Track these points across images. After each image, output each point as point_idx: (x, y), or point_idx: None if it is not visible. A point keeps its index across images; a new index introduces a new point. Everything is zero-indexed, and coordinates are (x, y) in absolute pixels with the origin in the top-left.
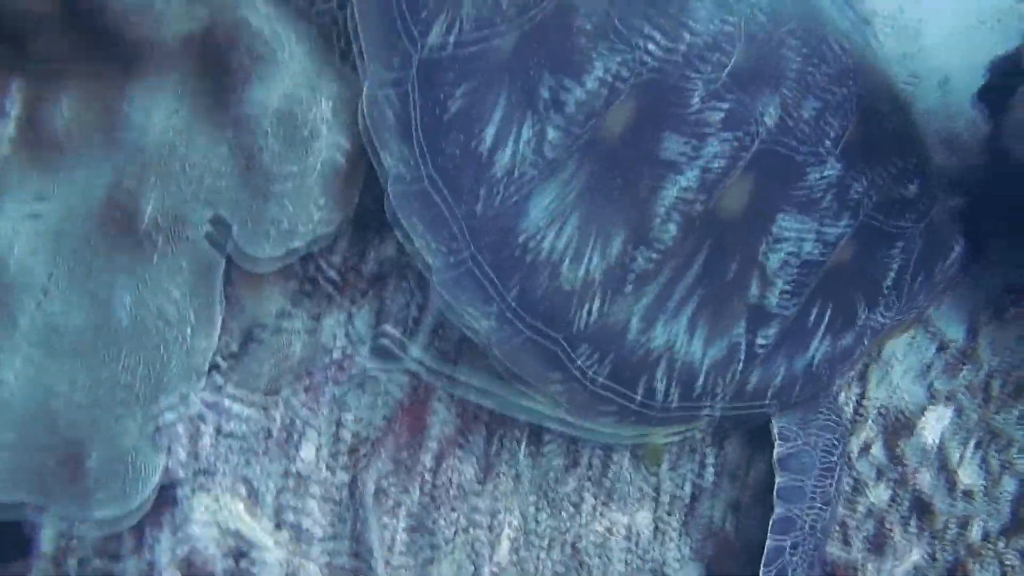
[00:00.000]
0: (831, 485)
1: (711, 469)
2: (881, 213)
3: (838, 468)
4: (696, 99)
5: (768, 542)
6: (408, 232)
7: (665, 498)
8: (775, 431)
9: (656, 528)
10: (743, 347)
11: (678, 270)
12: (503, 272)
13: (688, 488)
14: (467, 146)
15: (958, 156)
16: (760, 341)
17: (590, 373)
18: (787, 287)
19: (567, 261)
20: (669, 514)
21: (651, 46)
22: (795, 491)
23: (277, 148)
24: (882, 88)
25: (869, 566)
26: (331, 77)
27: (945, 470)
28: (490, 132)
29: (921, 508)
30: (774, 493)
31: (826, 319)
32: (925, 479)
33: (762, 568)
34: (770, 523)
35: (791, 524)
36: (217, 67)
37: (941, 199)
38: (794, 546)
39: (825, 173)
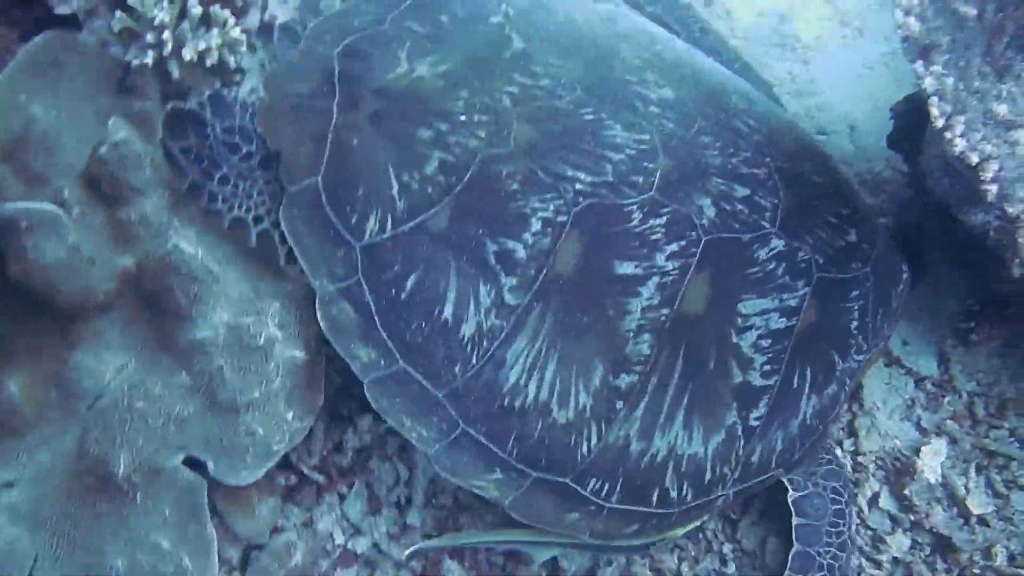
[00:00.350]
0: (845, 529)
1: (732, 564)
2: (832, 267)
3: (848, 511)
4: (635, 218)
5: None
6: (398, 428)
7: None
8: (786, 482)
9: None
10: (740, 429)
11: (662, 379)
12: (498, 435)
13: None
14: (432, 328)
15: (886, 193)
16: (754, 418)
17: (603, 500)
18: (765, 362)
19: (555, 403)
20: None
21: (579, 185)
22: (811, 532)
23: (235, 377)
24: (799, 149)
25: None
26: (273, 286)
27: (955, 503)
28: (449, 309)
29: (943, 547)
30: (792, 535)
31: (808, 378)
32: (939, 517)
33: None
34: (789, 559)
35: (810, 561)
36: (156, 311)
37: (880, 234)
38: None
39: (771, 249)
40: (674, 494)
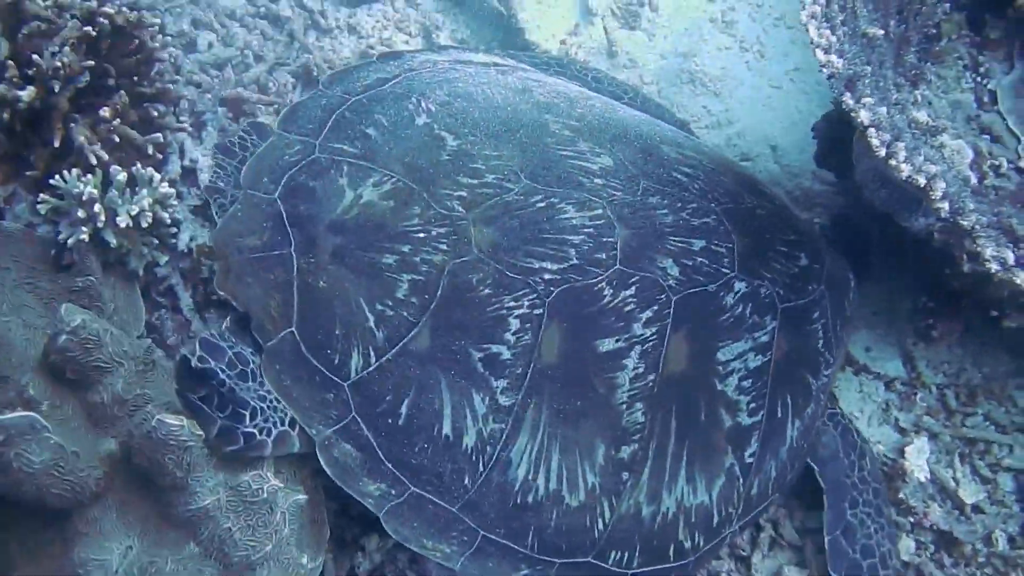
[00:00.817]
0: (868, 463)
1: None
2: (792, 294)
3: (862, 446)
4: (607, 294)
5: (825, 512)
6: (421, 552)
7: None
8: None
9: None
10: (738, 469)
11: (660, 441)
12: (517, 533)
13: None
14: (434, 446)
15: (819, 206)
16: (748, 456)
17: (626, 569)
18: (750, 400)
19: (566, 489)
20: None
21: (547, 275)
22: (835, 464)
23: (244, 536)
24: (736, 185)
25: None
26: None
27: (948, 496)
28: (447, 424)
29: (947, 543)
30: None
31: (790, 405)
32: (937, 514)
33: (827, 531)
34: (825, 497)
35: (843, 489)
36: (150, 487)
37: (824, 249)
38: (853, 504)
39: (736, 292)
40: (688, 544)
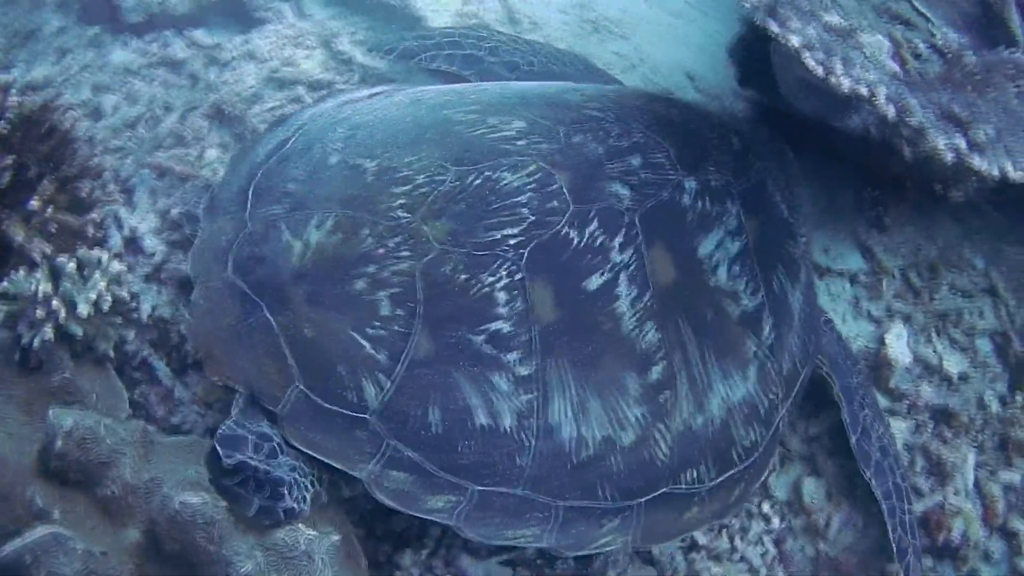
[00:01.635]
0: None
1: (776, 519)
2: (742, 176)
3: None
4: (573, 236)
5: (844, 416)
6: (510, 544)
7: (760, 567)
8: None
9: None
10: (763, 351)
11: (682, 352)
12: (590, 490)
13: (769, 544)
14: (477, 439)
15: (748, 123)
16: (767, 336)
17: (702, 485)
18: (746, 284)
19: (617, 431)
20: (771, 573)
21: (511, 240)
22: (840, 367)
23: None
24: (647, 102)
25: (951, 495)
26: None
27: (934, 372)
28: (480, 415)
29: (944, 417)
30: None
31: (783, 276)
32: (928, 392)
33: (850, 433)
34: (839, 400)
35: (850, 391)
36: (183, 565)
37: (752, 129)
38: (860, 406)
39: (689, 191)
40: (748, 441)
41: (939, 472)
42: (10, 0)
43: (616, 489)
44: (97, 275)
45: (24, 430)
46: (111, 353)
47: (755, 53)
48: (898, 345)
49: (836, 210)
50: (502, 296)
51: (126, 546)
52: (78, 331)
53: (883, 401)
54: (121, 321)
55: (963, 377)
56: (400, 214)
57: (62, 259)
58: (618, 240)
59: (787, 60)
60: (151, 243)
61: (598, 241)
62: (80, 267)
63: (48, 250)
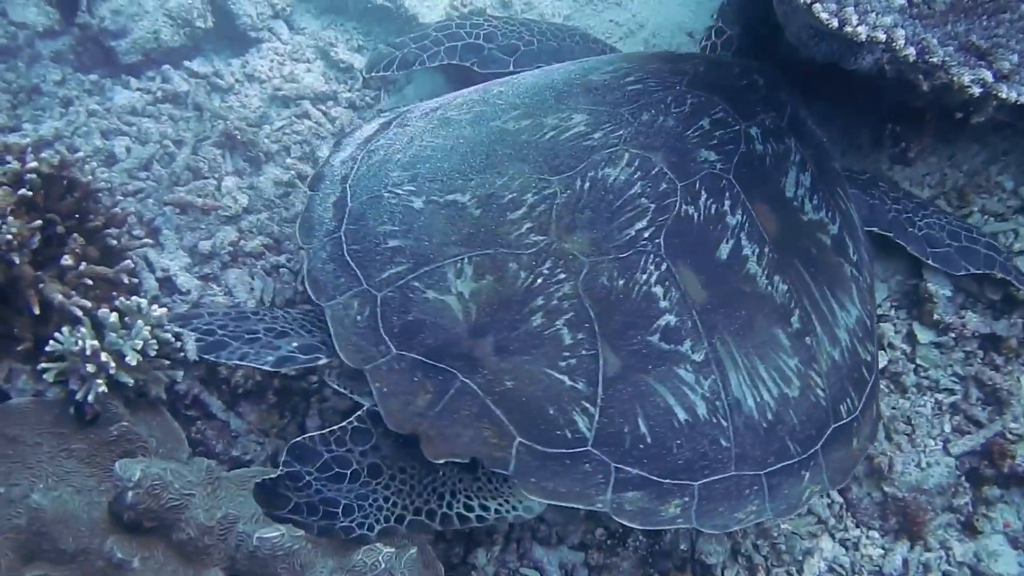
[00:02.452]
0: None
1: None
2: (779, 110)
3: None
4: (691, 212)
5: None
6: (743, 525)
7: (828, 518)
8: None
9: (844, 546)
10: (854, 271)
11: (806, 294)
12: (782, 452)
13: (835, 494)
14: (685, 436)
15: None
16: (852, 256)
17: (855, 411)
18: (824, 213)
19: (784, 386)
20: (840, 523)
21: (644, 234)
22: (875, 211)
23: None
24: (667, 63)
25: (1010, 422)
26: None
27: (977, 299)
28: (680, 411)
29: (992, 344)
30: None
31: (842, 194)
32: (974, 321)
33: (925, 258)
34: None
35: (897, 222)
36: None
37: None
38: (911, 223)
39: (756, 138)
40: (869, 356)
41: (995, 400)
42: (9, 58)
43: (798, 441)
44: (140, 322)
45: (90, 482)
46: (163, 395)
47: (752, 12)
48: (935, 277)
49: (856, 151)
50: (659, 290)
51: None
52: (129, 380)
53: (929, 335)
54: (168, 363)
55: (1007, 299)
56: (534, 239)
57: (103, 311)
58: (727, 203)
59: (793, 9)
60: (184, 280)
61: (713, 210)
62: (121, 316)
63: (88, 305)
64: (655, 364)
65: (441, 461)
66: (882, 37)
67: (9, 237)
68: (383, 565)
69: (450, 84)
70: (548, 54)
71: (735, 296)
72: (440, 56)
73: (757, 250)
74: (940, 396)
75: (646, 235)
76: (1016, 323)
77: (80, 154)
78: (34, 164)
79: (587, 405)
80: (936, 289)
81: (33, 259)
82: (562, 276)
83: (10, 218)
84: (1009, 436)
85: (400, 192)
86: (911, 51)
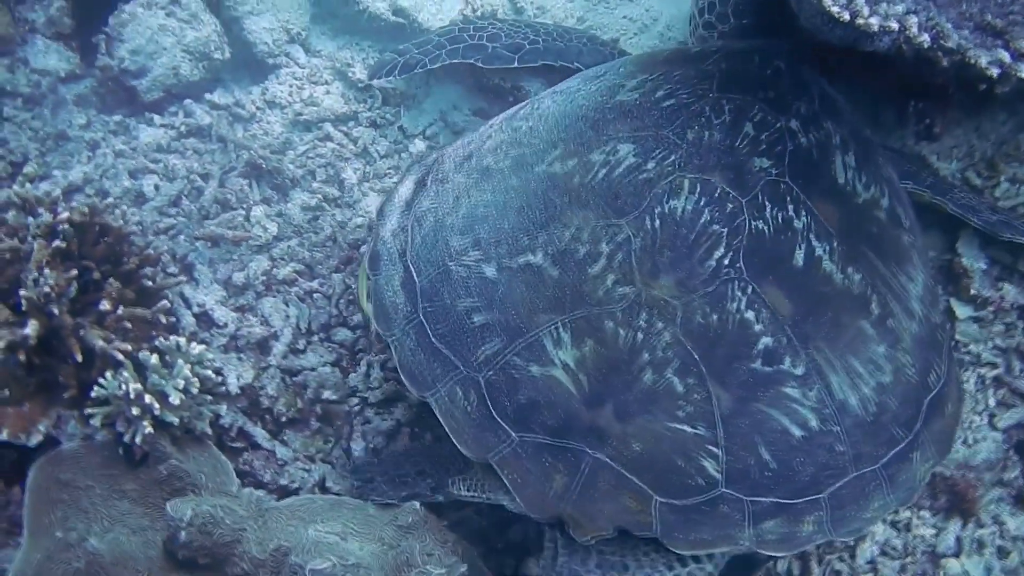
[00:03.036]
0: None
1: None
2: (812, 99)
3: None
4: (761, 226)
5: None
6: (874, 523)
7: None
8: None
9: (896, 528)
10: (911, 240)
11: (879, 277)
12: (889, 441)
13: None
14: (804, 453)
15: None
16: (905, 224)
17: (942, 378)
18: (875, 187)
19: (879, 375)
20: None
21: (724, 261)
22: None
23: None
24: (689, 61)
25: None
26: (390, 526)
27: (1013, 271)
28: (796, 430)
29: None
30: None
31: (883, 164)
32: (1012, 292)
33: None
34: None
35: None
36: None
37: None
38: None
39: (796, 131)
40: (939, 320)
41: None
42: (34, 107)
43: (902, 425)
44: (180, 362)
45: (143, 522)
46: (208, 430)
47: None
48: (969, 251)
49: (881, 129)
50: (751, 315)
51: None
52: (174, 419)
53: (967, 310)
54: (212, 398)
55: None
56: (622, 291)
57: (144, 354)
58: (791, 208)
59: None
60: (221, 314)
61: (780, 219)
62: (162, 356)
63: (128, 348)
64: (763, 390)
65: (592, 541)
66: (895, 26)
67: (47, 289)
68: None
69: (467, 95)
70: (554, 53)
71: (818, 300)
72: (442, 57)
73: (827, 247)
74: (982, 371)
75: (726, 262)
76: None
77: (110, 199)
78: (66, 215)
79: (711, 448)
80: (971, 263)
81: (72, 307)
82: (660, 325)
83: (47, 270)
84: None
85: (468, 262)
86: (925, 38)
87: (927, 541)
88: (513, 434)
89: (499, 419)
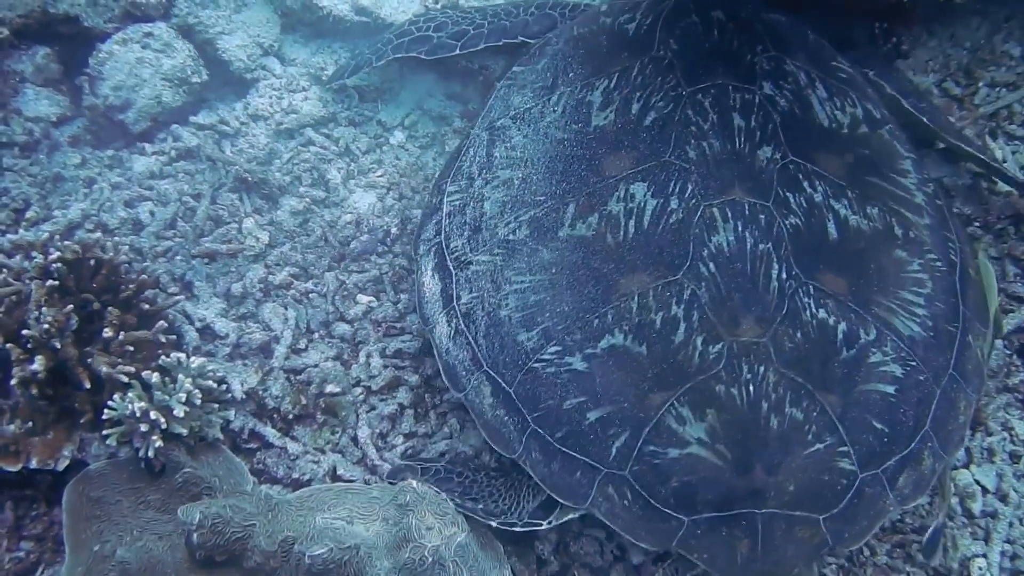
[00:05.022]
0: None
1: None
2: (783, 48)
3: None
4: (797, 221)
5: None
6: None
7: None
8: None
9: None
10: (912, 164)
11: (898, 215)
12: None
13: None
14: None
15: None
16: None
17: (971, 321)
18: (866, 119)
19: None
20: None
21: (783, 276)
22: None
23: None
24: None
25: None
26: (391, 505)
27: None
28: (900, 400)
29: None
30: None
31: (869, 91)
32: (998, 202)
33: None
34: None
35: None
36: None
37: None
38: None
39: (778, 92)
40: (959, 238)
41: None
42: (31, 153)
43: (950, 321)
44: (181, 376)
45: (168, 528)
46: (220, 435)
47: None
48: (943, 168)
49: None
50: (822, 313)
51: None
52: (183, 430)
53: None
54: (219, 406)
55: None
56: (715, 350)
57: (146, 373)
58: (807, 185)
59: None
60: (222, 325)
61: (804, 203)
62: (164, 374)
63: (132, 370)
64: (856, 372)
65: None
66: None
67: (46, 325)
68: (430, 559)
69: (440, 81)
70: (498, 32)
71: (860, 258)
72: (387, 53)
73: (846, 202)
74: None
75: (784, 276)
76: None
77: (97, 234)
78: (56, 255)
79: (841, 448)
80: (953, 181)
81: (79, 338)
82: (762, 369)
83: (44, 308)
84: None
85: (551, 358)
86: None
87: None
88: (684, 518)
89: (663, 508)
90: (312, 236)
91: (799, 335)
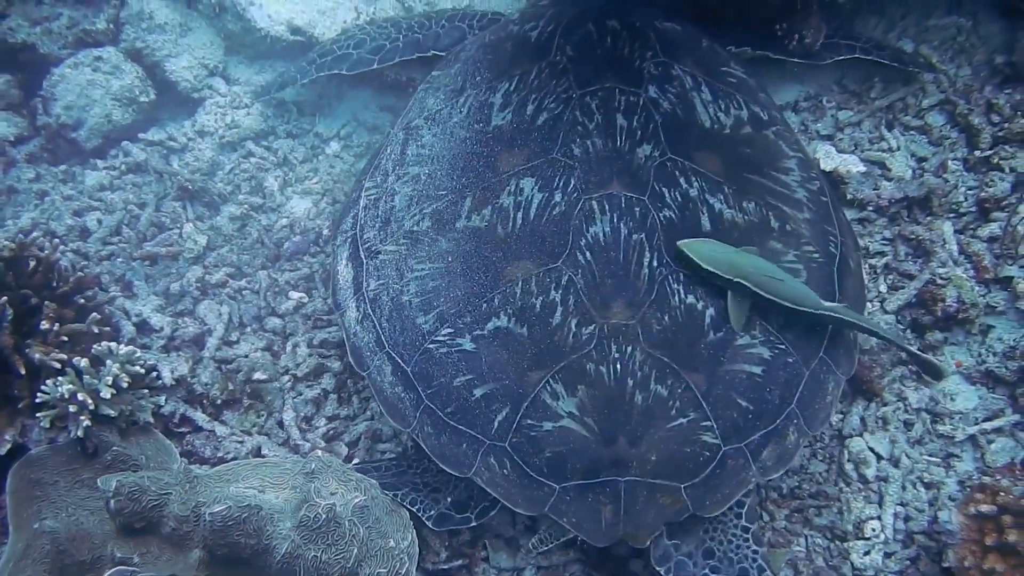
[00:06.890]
0: None
1: None
2: (663, 54)
3: None
4: (671, 215)
5: None
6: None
7: None
8: None
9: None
10: (780, 127)
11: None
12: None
13: None
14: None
15: None
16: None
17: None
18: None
19: None
20: None
21: (654, 263)
22: None
23: (329, 555)
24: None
25: (937, 268)
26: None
27: (887, 168)
28: (757, 371)
29: (913, 206)
30: None
31: (737, 67)
32: (889, 188)
33: None
34: None
35: None
36: (244, 565)
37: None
38: None
39: (658, 91)
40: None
41: (922, 251)
42: None
43: (832, 282)
44: (109, 362)
45: (99, 503)
46: (151, 419)
47: None
48: (836, 159)
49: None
50: (691, 299)
51: (192, 563)
52: (112, 412)
53: (851, 213)
54: (149, 392)
55: (921, 159)
56: (587, 331)
57: (76, 359)
58: (682, 181)
59: None
60: (158, 320)
61: (678, 197)
62: (95, 361)
63: (64, 357)
64: (722, 353)
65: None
66: None
67: None
68: (324, 516)
69: (376, 95)
70: (411, 46)
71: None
72: (310, 72)
73: (722, 197)
74: (873, 261)
75: (655, 264)
76: (931, 182)
77: (37, 234)
78: None
79: (704, 423)
80: (848, 169)
81: (19, 331)
82: (629, 349)
83: None
84: (939, 281)
85: (443, 339)
86: None
87: (833, 426)
88: (555, 485)
89: (536, 476)
90: (248, 239)
91: (667, 318)
